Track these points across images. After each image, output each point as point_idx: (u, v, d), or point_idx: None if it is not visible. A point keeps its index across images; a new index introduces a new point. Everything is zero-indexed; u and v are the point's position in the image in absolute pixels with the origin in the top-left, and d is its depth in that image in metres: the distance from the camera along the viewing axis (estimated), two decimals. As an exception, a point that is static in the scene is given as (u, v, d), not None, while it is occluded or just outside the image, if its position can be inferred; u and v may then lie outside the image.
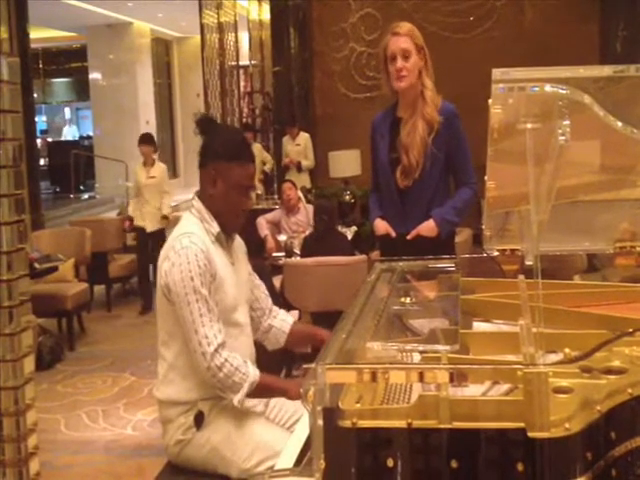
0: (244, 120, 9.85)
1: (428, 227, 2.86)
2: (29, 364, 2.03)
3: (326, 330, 2.22)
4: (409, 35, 2.85)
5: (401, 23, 2.92)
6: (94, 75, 14.51)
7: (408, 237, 2.86)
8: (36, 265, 5.41)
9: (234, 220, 2.17)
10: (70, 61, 17.31)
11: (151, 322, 5.73)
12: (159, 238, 6.15)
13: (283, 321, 2.35)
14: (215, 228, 2.12)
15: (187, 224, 2.13)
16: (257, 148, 7.90)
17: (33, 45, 9.13)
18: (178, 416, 2.09)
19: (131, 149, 13.59)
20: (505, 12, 7.72)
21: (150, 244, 6.44)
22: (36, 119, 9.71)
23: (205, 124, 2.18)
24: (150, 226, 6.48)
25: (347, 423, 1.28)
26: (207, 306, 2.01)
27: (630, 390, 1.34)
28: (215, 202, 2.12)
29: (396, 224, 2.93)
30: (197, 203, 2.16)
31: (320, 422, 1.28)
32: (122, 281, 7.04)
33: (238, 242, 2.28)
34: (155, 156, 6.68)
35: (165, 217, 6.55)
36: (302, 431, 1.68)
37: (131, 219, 6.56)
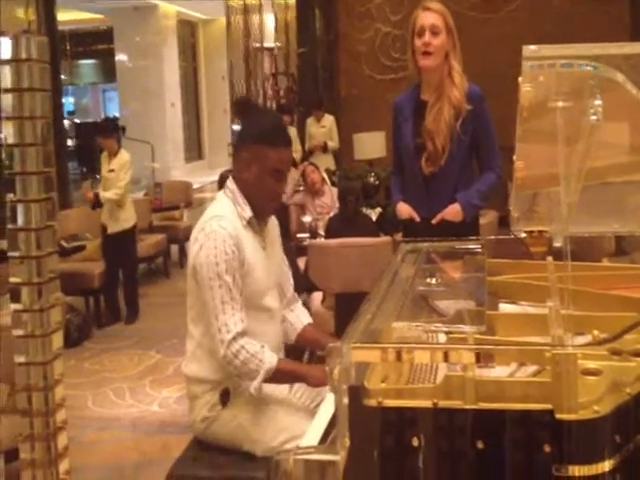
0: (281, 101, 9.75)
1: (453, 211, 2.82)
2: (58, 340, 2.05)
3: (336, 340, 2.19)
4: (440, 13, 2.78)
5: (433, 0, 2.86)
6: (120, 57, 14.58)
7: (433, 221, 2.81)
8: (64, 244, 5.48)
9: (268, 204, 2.14)
10: (97, 43, 17.39)
11: (177, 302, 5.78)
12: (122, 243, 5.53)
13: (297, 318, 2.30)
14: (247, 213, 2.10)
15: (219, 206, 2.12)
16: (293, 132, 7.70)
17: (60, 27, 9.19)
18: (204, 393, 2.10)
19: (157, 130, 13.70)
20: (532, -10, 7.59)
21: (113, 251, 5.56)
22: (63, 100, 9.79)
23: (243, 107, 2.18)
24: (110, 227, 5.55)
25: (372, 402, 1.28)
26: (230, 294, 1.99)
27: (660, 373, 1.32)
28: (249, 186, 2.10)
29: (420, 208, 2.88)
30: (232, 184, 2.13)
31: (345, 400, 1.28)
32: (148, 261, 7.10)
33: (272, 224, 2.25)
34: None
35: (96, 195, 5.47)
36: (327, 410, 1.68)
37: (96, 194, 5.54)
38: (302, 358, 4.10)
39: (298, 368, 2.11)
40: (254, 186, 2.09)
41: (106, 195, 5.46)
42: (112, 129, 5.78)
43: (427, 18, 2.77)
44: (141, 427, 3.78)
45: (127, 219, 5.62)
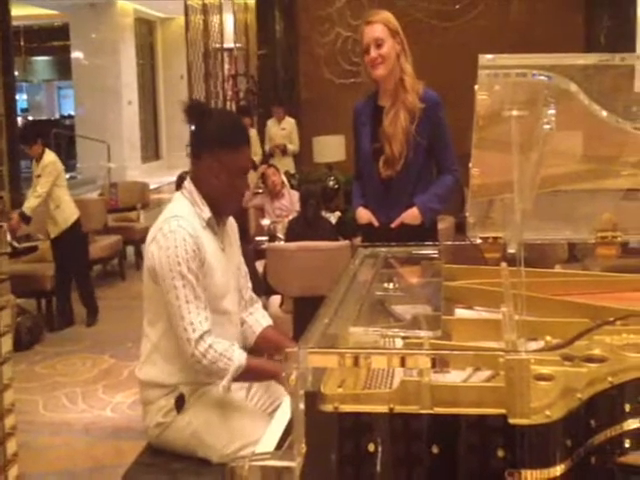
0: (241, 103, 9.71)
1: (412, 215, 2.85)
2: (7, 344, 2.01)
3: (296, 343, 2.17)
4: (382, 22, 2.83)
5: (375, 11, 2.91)
6: (76, 54, 14.33)
7: (392, 225, 2.85)
8: (15, 244, 5.35)
9: (233, 204, 2.15)
10: (52, 39, 17.05)
11: (132, 305, 5.70)
12: (68, 244, 5.39)
13: (257, 321, 2.28)
14: (206, 213, 2.07)
15: (177, 206, 2.08)
16: (253, 134, 7.63)
17: (14, 22, 9.00)
18: (159, 398, 2.07)
19: (113, 129, 13.50)
20: (491, 1, 7.71)
21: (61, 254, 5.44)
22: (17, 97, 9.58)
23: (196, 112, 2.11)
24: (51, 231, 5.44)
25: (329, 407, 1.28)
26: (194, 292, 1.97)
27: (610, 378, 1.35)
28: (216, 190, 2.07)
29: (379, 213, 2.92)
30: (189, 185, 2.10)
31: (302, 406, 1.28)
32: (103, 262, 6.99)
33: (230, 224, 2.23)
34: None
35: (21, 215, 5.22)
36: (283, 416, 1.68)
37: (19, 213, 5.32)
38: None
39: (268, 365, 2.08)
40: (222, 190, 2.07)
41: (29, 206, 5.27)
42: (35, 134, 5.46)
43: (369, 33, 2.84)
44: (94, 432, 3.71)
45: (66, 218, 5.42)
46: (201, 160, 2.08)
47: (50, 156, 5.41)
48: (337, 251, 4.00)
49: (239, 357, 1.99)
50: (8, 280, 2.06)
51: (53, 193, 5.33)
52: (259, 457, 1.39)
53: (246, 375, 2.01)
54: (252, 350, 2.29)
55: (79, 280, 5.71)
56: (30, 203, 5.29)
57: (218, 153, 2.04)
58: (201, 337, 1.95)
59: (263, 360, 2.14)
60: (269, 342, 2.26)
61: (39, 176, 5.31)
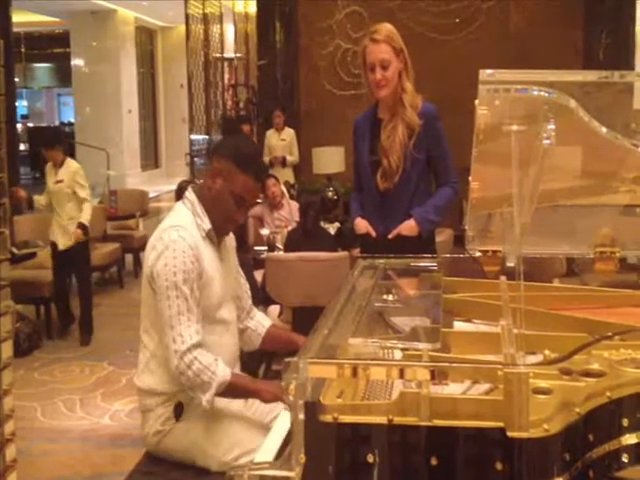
0: (240, 113, 9.72)
1: (409, 226, 2.87)
2: (7, 349, 2.01)
3: (303, 337, 2.15)
4: (387, 41, 2.80)
5: (379, 27, 2.85)
6: (77, 61, 14.38)
7: (389, 236, 2.87)
8: (14, 250, 5.34)
9: (222, 224, 2.12)
10: (52, 46, 17.10)
11: (130, 312, 5.69)
12: (75, 259, 5.30)
13: (259, 323, 2.31)
14: (206, 224, 2.08)
15: (178, 216, 2.10)
16: None
17: (15, 29, 9.02)
18: (157, 406, 2.07)
19: (113, 137, 13.52)
20: (491, 15, 7.76)
21: (65, 265, 5.33)
22: (17, 104, 9.60)
23: (230, 124, 2.20)
24: (62, 243, 5.27)
25: (328, 418, 1.29)
26: (187, 305, 1.97)
27: (609, 393, 1.36)
28: (209, 197, 2.09)
29: (377, 224, 2.94)
30: (191, 195, 2.12)
31: (301, 416, 1.29)
32: (102, 270, 6.98)
33: (229, 236, 2.25)
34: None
35: (82, 227, 5.21)
36: (282, 425, 1.69)
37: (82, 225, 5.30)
38: (258, 370, 4.09)
39: (251, 383, 2.08)
40: (213, 199, 2.08)
41: (87, 216, 5.23)
42: (57, 139, 5.43)
43: (375, 53, 2.81)
44: (92, 440, 3.71)
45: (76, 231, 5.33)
46: (210, 162, 2.13)
47: (75, 163, 5.40)
48: (336, 262, 4.01)
49: (223, 372, 1.98)
50: (8, 286, 2.07)
51: (67, 205, 5.26)
52: (258, 466, 1.40)
53: (229, 391, 2.00)
54: (250, 357, 2.30)
55: (82, 295, 5.54)
56: (86, 213, 5.25)
57: (226, 162, 2.05)
58: (188, 349, 1.95)
59: (248, 378, 2.15)
60: (276, 339, 2.30)
61: (60, 182, 5.24)
